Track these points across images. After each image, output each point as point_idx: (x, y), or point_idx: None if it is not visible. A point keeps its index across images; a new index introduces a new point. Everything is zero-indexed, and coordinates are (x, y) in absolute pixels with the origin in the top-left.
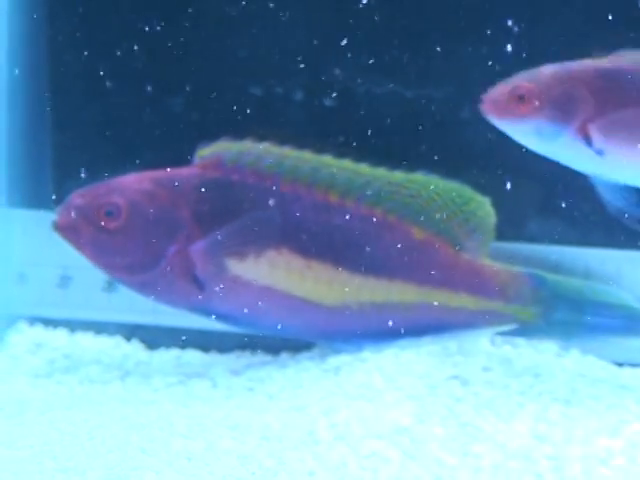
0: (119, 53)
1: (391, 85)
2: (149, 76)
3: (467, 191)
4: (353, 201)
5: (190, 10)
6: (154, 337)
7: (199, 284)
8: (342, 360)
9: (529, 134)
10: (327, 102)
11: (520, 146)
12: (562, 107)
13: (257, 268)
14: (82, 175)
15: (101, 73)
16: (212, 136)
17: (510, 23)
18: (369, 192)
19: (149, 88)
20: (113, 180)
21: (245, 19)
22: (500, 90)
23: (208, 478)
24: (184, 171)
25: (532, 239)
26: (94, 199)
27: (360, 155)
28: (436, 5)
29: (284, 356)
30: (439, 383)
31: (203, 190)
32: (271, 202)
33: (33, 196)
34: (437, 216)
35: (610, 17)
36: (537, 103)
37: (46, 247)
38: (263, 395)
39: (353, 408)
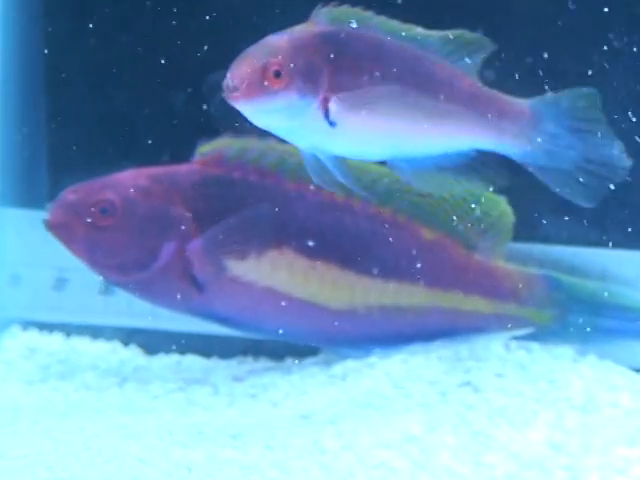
0: (116, 48)
1: None
2: (148, 71)
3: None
4: (360, 200)
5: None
6: (153, 342)
7: (197, 285)
8: (349, 366)
9: (277, 112)
10: None
11: None
12: (309, 79)
13: (259, 268)
14: (78, 174)
15: (98, 68)
16: (213, 132)
17: None
18: (377, 190)
19: (148, 83)
20: (108, 176)
21: (248, 9)
22: (249, 69)
23: None
24: (183, 168)
25: (546, 239)
26: (88, 195)
27: None
28: None
29: (288, 362)
30: (450, 390)
31: (202, 187)
32: (274, 200)
33: (27, 195)
34: (448, 216)
35: None
36: (289, 78)
37: (40, 248)
38: (266, 402)
39: (360, 416)
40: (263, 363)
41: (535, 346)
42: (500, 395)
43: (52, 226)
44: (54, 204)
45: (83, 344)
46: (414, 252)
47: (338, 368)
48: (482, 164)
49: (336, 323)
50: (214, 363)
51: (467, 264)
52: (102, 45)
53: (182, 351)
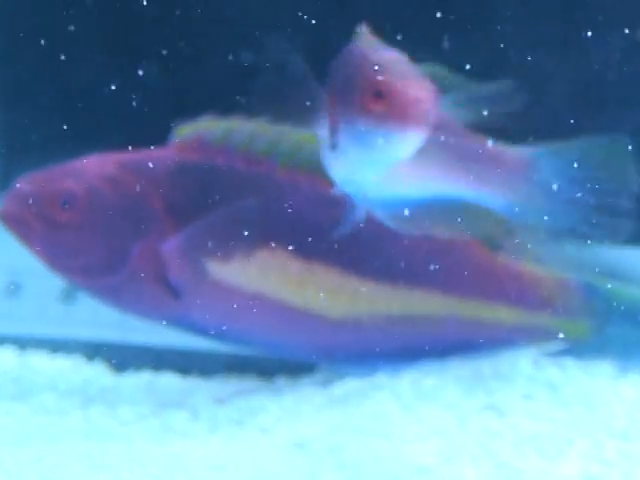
0: (76, 15)
1: None
2: (116, 41)
3: None
4: None
5: None
6: (122, 357)
7: (173, 290)
8: (351, 386)
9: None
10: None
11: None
12: None
13: (245, 271)
14: (34, 160)
15: (54, 37)
16: (193, 112)
17: None
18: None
19: (115, 53)
20: (70, 163)
21: None
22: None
23: None
24: (157, 153)
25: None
26: (46, 185)
27: None
28: None
29: (280, 381)
30: (470, 414)
31: (180, 176)
32: (264, 192)
33: None
34: (467, 213)
35: None
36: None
37: None
38: (255, 429)
39: (365, 445)
40: (250, 383)
41: (569, 363)
42: (528, 420)
43: (6, 220)
44: (6, 195)
45: (40, 360)
46: (427, 252)
47: (338, 389)
48: None
49: (336, 335)
50: (193, 383)
51: (490, 267)
52: (57, 11)
53: (156, 368)
